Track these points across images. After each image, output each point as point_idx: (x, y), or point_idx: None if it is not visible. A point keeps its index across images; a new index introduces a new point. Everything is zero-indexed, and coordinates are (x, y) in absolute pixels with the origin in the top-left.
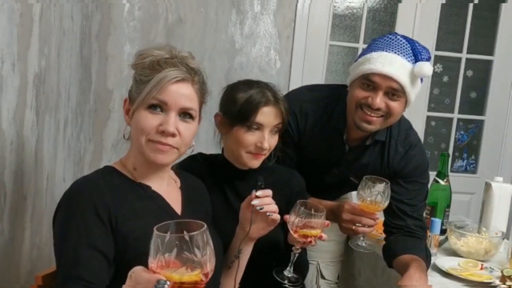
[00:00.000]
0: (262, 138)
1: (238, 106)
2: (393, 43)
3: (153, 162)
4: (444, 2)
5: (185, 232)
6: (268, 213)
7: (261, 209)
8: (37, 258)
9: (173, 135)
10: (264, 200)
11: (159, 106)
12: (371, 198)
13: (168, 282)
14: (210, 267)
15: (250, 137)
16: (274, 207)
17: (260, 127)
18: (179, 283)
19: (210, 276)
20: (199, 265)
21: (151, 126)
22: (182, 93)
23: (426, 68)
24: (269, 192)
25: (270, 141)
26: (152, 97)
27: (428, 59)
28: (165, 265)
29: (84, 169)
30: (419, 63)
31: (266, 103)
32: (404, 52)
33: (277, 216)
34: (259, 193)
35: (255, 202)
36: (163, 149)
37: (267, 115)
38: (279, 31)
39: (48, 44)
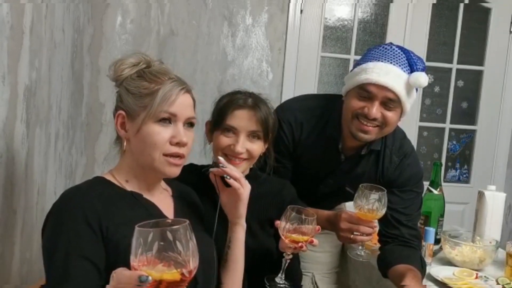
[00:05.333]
0: (236, 141)
1: (217, 111)
2: (388, 53)
3: (168, 176)
4: (434, 2)
5: (167, 228)
6: (225, 176)
7: (223, 166)
8: (27, 273)
9: (185, 144)
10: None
11: (168, 119)
12: (368, 206)
13: (150, 277)
14: (193, 264)
15: (225, 140)
16: (235, 173)
17: (235, 131)
18: (160, 281)
19: (193, 273)
20: (182, 261)
21: (165, 139)
22: (187, 103)
23: (422, 78)
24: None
25: (245, 145)
26: (163, 111)
27: (424, 69)
28: (147, 263)
29: (76, 182)
30: (415, 73)
31: (240, 106)
32: (399, 62)
33: (234, 183)
34: (221, 158)
35: (220, 158)
36: (178, 162)
37: (240, 119)
38: (271, 43)
39: (38, 57)
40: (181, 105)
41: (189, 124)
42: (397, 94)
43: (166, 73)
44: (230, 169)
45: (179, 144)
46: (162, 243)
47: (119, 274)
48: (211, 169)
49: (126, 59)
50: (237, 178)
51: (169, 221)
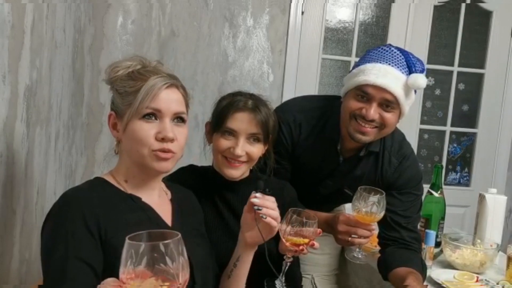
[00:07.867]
0: (235, 144)
1: (217, 112)
2: (387, 54)
3: (157, 171)
4: (436, 3)
5: (158, 242)
6: (262, 215)
7: (259, 209)
8: (26, 273)
9: (172, 140)
10: (265, 202)
11: (153, 114)
12: (366, 209)
13: None
14: (183, 278)
15: (224, 142)
16: (273, 212)
17: (234, 133)
18: None
19: None
20: (172, 276)
21: (150, 135)
22: (172, 98)
23: (421, 80)
24: (271, 198)
25: (245, 148)
26: (145, 107)
27: (422, 71)
28: (135, 276)
29: (76, 183)
30: (413, 75)
31: (239, 109)
32: (398, 64)
33: (271, 221)
34: (258, 194)
35: (255, 200)
36: (167, 156)
37: (240, 121)
38: (272, 45)
39: (39, 57)
40: (166, 100)
41: (179, 119)
42: (395, 96)
43: (157, 71)
44: (266, 210)
45: (164, 139)
46: (152, 256)
47: (106, 285)
48: (252, 200)
49: (122, 62)
50: (275, 218)
51: (161, 232)
